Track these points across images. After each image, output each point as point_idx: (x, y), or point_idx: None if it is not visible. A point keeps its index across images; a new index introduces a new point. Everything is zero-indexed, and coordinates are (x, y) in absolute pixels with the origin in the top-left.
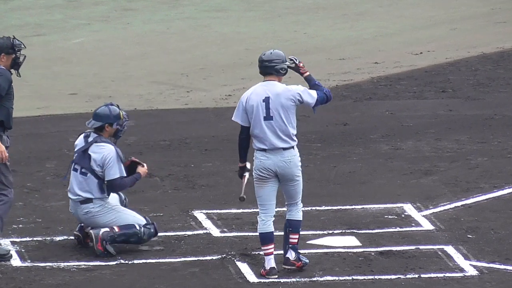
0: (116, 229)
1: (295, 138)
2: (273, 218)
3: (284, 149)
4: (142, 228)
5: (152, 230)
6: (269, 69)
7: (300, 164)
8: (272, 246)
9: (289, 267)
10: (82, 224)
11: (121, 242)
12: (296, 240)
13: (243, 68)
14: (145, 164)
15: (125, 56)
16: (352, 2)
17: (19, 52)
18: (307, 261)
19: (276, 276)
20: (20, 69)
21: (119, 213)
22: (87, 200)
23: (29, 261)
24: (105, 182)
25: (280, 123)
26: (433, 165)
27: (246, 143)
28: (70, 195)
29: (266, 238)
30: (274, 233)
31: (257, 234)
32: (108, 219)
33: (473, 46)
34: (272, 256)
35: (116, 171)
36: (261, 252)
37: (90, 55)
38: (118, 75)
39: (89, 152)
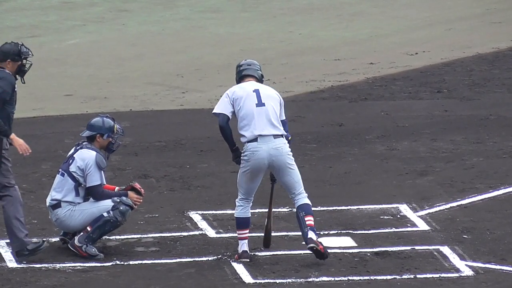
0: (89, 228)
1: (283, 130)
2: (251, 204)
3: (275, 136)
4: (111, 212)
5: (122, 208)
6: (251, 71)
7: (291, 154)
8: (247, 231)
9: (313, 245)
10: None
11: (101, 236)
12: (312, 222)
13: None
14: (142, 191)
15: (120, 57)
16: (347, 3)
17: (25, 60)
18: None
19: (248, 260)
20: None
21: (84, 211)
22: (57, 205)
23: (24, 262)
24: (83, 186)
25: (272, 110)
26: (429, 166)
27: (229, 129)
28: (47, 199)
29: (243, 223)
30: (272, 235)
31: (254, 234)
32: (77, 221)
33: (468, 46)
34: (246, 241)
35: (97, 178)
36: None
37: (85, 56)
38: (113, 76)
39: (74, 155)
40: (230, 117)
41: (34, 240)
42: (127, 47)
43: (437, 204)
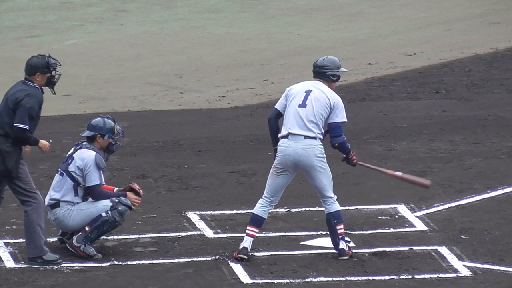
0: (87, 228)
1: (320, 133)
2: (271, 208)
3: (306, 137)
4: (110, 212)
5: (120, 208)
6: (319, 74)
7: (322, 156)
8: (257, 230)
9: (346, 257)
10: None
11: (99, 236)
12: (343, 231)
13: (236, 69)
14: (141, 193)
15: (119, 58)
16: (346, 3)
17: (54, 71)
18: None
19: (245, 256)
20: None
21: (82, 211)
22: (55, 204)
23: (22, 262)
24: (82, 186)
25: (310, 113)
26: (427, 166)
27: (274, 123)
28: (45, 199)
29: (257, 221)
30: (271, 235)
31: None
32: (75, 221)
33: (466, 47)
34: (251, 239)
35: (96, 178)
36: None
37: (83, 56)
38: (112, 76)
39: (74, 155)
40: (282, 112)
41: (51, 255)
42: (125, 48)
43: (435, 205)
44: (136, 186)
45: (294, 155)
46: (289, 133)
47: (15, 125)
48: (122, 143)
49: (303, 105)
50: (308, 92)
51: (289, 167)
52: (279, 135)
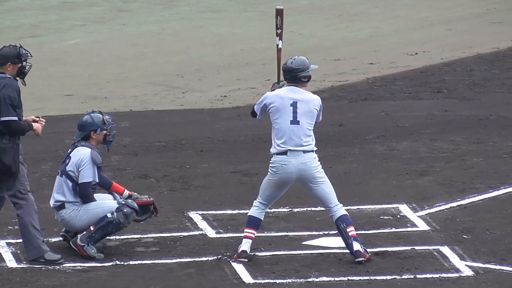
0: (92, 228)
1: (313, 144)
2: (267, 210)
3: (304, 152)
4: (115, 214)
5: (126, 210)
6: (291, 79)
7: (320, 167)
8: (254, 232)
9: (362, 258)
10: None
11: (103, 236)
12: (354, 233)
13: (238, 69)
14: (153, 210)
15: (121, 57)
16: (348, 3)
17: (25, 62)
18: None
19: (246, 260)
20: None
21: (89, 211)
22: (61, 206)
23: (24, 262)
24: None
25: (305, 128)
26: (429, 166)
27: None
28: (50, 201)
29: (254, 222)
30: (273, 235)
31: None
32: (82, 221)
33: (468, 46)
34: (250, 241)
35: (89, 175)
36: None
37: (85, 56)
38: (114, 76)
39: (70, 154)
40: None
41: (52, 254)
42: (127, 47)
43: (437, 204)
44: (153, 204)
45: (296, 171)
46: (288, 150)
47: (3, 119)
48: (124, 142)
49: (295, 122)
50: (294, 106)
51: (289, 182)
52: (274, 150)
